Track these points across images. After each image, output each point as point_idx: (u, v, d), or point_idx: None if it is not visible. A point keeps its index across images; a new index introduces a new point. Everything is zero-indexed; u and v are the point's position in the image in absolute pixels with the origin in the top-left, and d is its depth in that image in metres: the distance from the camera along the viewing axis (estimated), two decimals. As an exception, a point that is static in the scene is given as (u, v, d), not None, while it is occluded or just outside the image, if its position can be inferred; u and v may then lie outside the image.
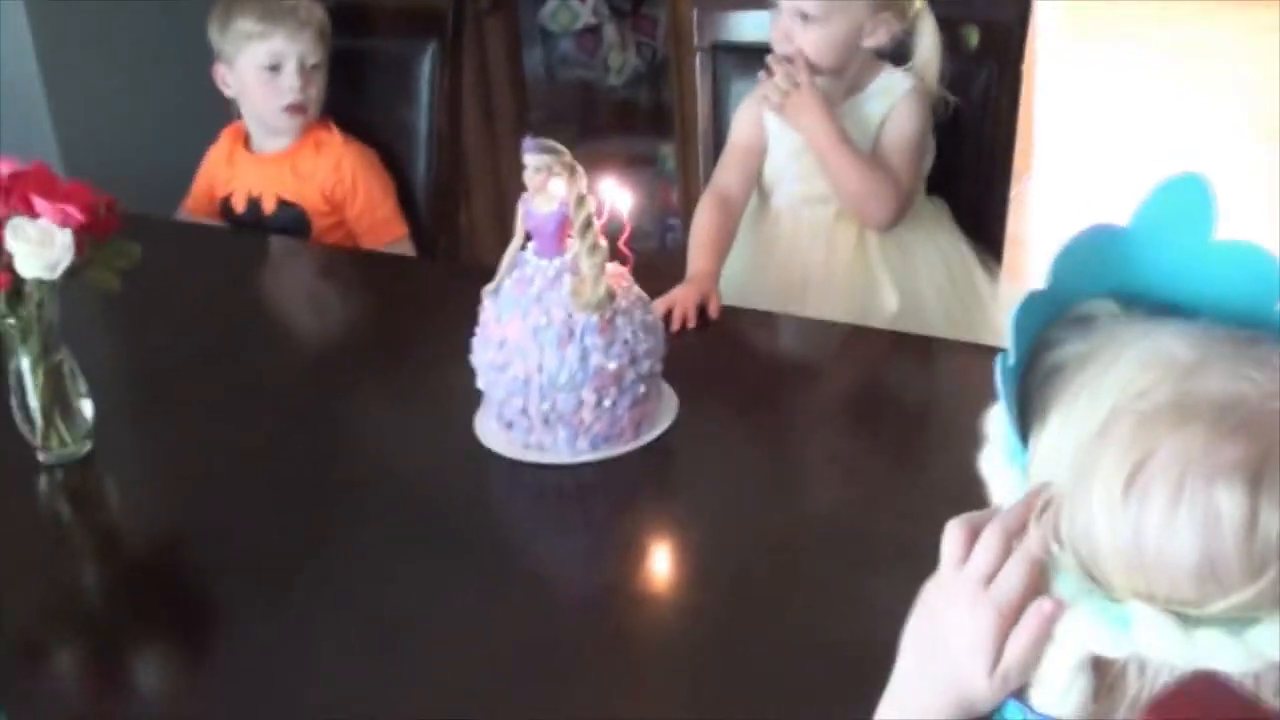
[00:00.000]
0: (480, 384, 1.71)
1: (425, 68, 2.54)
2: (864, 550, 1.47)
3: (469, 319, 1.71)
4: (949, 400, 1.82)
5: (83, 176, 1.72)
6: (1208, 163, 3.18)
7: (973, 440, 0.95)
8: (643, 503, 1.68)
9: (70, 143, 3.03)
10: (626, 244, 1.68)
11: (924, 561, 0.90)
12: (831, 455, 1.73)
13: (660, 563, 1.55)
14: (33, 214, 1.64)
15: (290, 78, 2.46)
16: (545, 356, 1.63)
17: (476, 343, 1.70)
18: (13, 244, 1.62)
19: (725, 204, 2.11)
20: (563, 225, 1.64)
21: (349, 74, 2.56)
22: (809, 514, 1.59)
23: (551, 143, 1.62)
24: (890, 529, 1.45)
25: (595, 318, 1.62)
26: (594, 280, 1.61)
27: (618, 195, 1.66)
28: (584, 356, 1.63)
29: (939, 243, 2.14)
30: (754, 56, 2.28)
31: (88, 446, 1.75)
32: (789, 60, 2.04)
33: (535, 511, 1.70)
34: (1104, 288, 0.91)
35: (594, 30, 3.45)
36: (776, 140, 2.14)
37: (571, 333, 1.62)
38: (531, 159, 1.62)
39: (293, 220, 2.49)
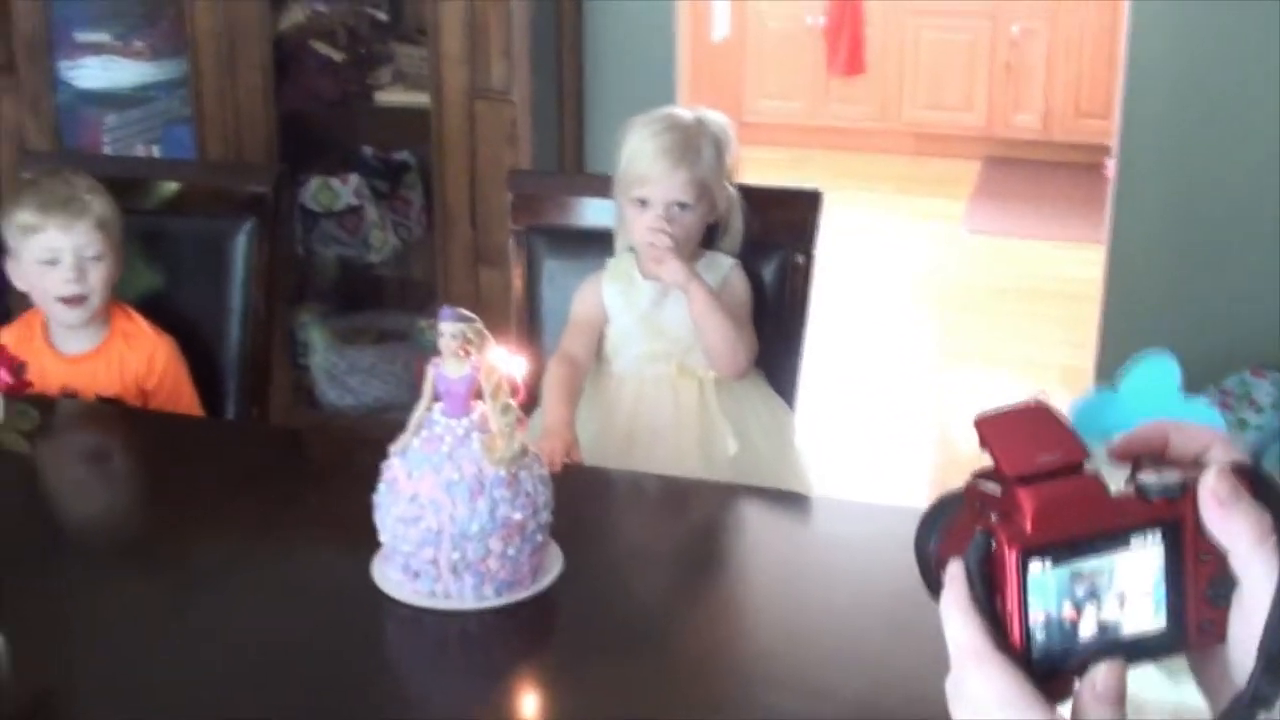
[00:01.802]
0: (384, 537, 1.81)
1: (241, 245, 2.63)
2: (735, 685, 1.64)
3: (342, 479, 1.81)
4: (786, 548, 2.03)
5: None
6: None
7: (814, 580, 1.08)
8: (543, 645, 1.81)
9: None
10: (521, 406, 1.83)
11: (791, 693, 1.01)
12: (694, 599, 1.90)
13: (565, 702, 1.69)
14: (-47, 378, 1.69)
15: (65, 270, 2.47)
16: (457, 509, 1.75)
17: (382, 499, 1.81)
18: (-61, 406, 1.66)
19: (573, 365, 2.34)
20: (471, 387, 1.78)
21: (159, 252, 2.62)
22: (685, 654, 1.75)
23: (465, 312, 1.77)
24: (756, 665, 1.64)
25: (503, 471, 1.76)
26: (507, 437, 1.75)
27: (511, 362, 1.82)
28: (493, 508, 1.76)
29: (762, 393, 2.44)
30: (563, 239, 2.49)
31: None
32: (653, 243, 2.30)
33: (439, 657, 1.81)
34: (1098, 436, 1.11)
35: (355, 210, 3.59)
36: (619, 311, 2.39)
37: (482, 486, 1.75)
38: (447, 326, 1.76)
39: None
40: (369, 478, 1.83)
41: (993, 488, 0.80)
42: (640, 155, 2.31)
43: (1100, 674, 0.80)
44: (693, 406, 2.36)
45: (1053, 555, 0.77)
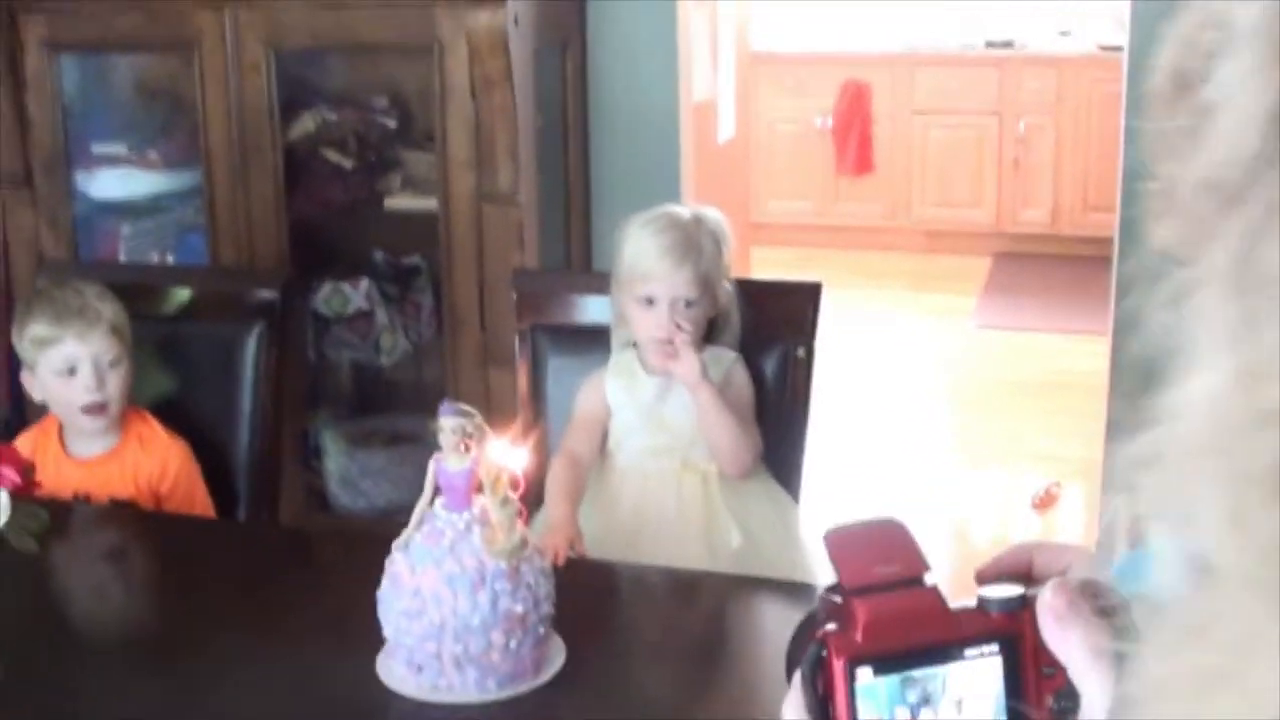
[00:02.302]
0: (387, 632, 1.83)
1: (251, 349, 2.68)
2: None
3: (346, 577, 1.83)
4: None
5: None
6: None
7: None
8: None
9: None
10: (522, 498, 1.86)
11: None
12: (697, 692, 1.92)
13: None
14: (-37, 478, 1.72)
15: (86, 379, 2.50)
16: (459, 602, 1.77)
17: (385, 594, 1.83)
18: (-52, 507, 1.69)
19: (576, 462, 2.37)
20: (471, 481, 1.80)
21: (172, 356, 2.67)
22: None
23: (466, 407, 1.80)
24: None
25: (504, 564, 1.78)
26: (507, 530, 1.78)
27: (511, 455, 1.84)
28: (494, 601, 1.78)
29: (765, 485, 2.46)
30: (566, 336, 2.53)
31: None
32: (669, 341, 2.35)
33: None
34: None
35: (366, 314, 3.64)
36: (622, 406, 2.43)
37: (483, 579, 1.78)
38: (448, 421, 1.79)
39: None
40: (374, 576, 1.86)
41: (837, 599, 0.83)
42: (644, 254, 2.36)
43: None
44: (696, 500, 2.39)
45: (881, 664, 0.80)
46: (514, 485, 1.82)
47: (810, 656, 0.81)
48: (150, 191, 3.70)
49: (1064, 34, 6.90)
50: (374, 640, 1.87)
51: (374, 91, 3.73)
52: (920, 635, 0.80)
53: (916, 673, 0.80)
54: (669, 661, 1.99)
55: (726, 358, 2.45)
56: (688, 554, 2.28)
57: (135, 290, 2.67)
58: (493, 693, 1.81)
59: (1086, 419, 4.96)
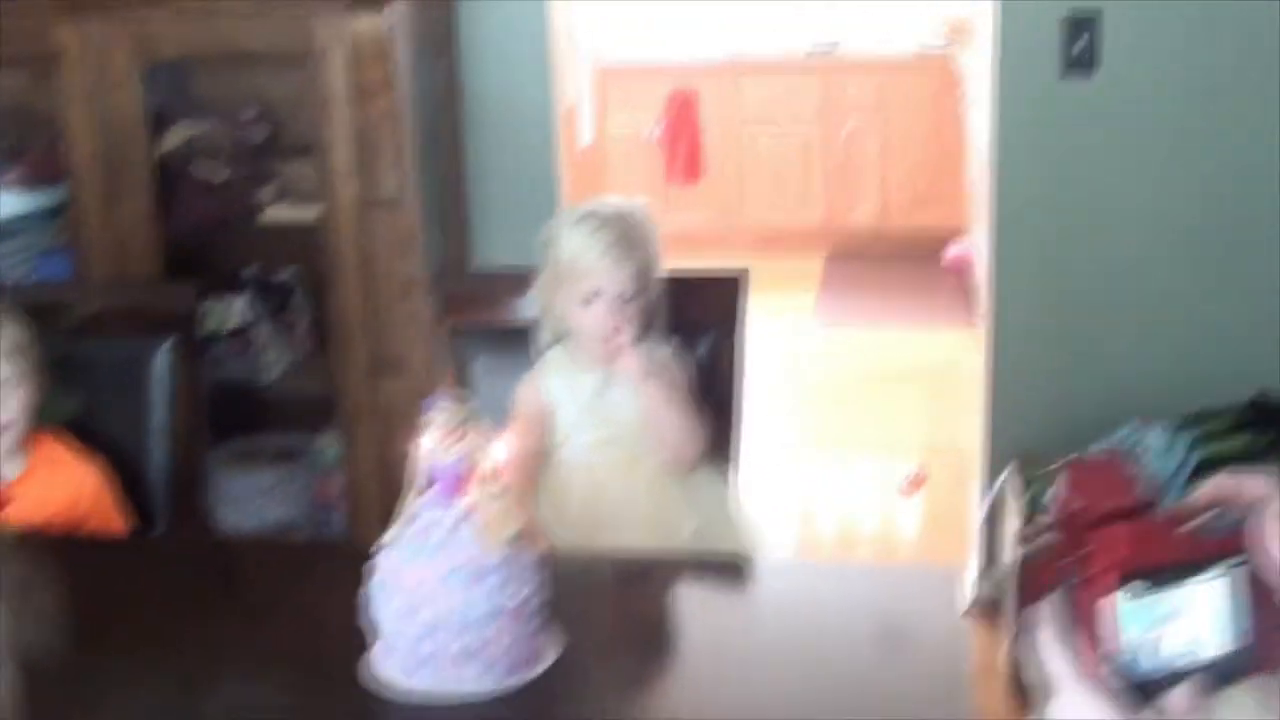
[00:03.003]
0: (381, 632, 1.79)
1: (162, 365, 2.59)
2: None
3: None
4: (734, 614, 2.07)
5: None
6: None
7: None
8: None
9: None
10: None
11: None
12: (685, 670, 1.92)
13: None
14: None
15: None
16: (456, 597, 1.74)
17: (377, 594, 1.79)
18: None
19: (524, 462, 2.33)
20: (465, 471, 1.78)
21: (77, 375, 2.57)
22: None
23: (457, 396, 1.77)
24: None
25: (498, 556, 1.75)
26: (502, 520, 1.75)
27: (497, 447, 1.82)
28: (492, 593, 1.75)
29: (708, 474, 2.49)
30: (491, 336, 2.52)
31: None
32: (612, 337, 2.36)
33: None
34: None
35: (244, 331, 3.55)
36: (563, 402, 2.42)
37: (480, 572, 1.75)
38: (439, 413, 1.76)
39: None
40: (328, 580, 1.82)
41: (1057, 537, 0.86)
42: (586, 251, 2.35)
43: (1182, 693, 0.87)
44: (645, 491, 2.39)
45: (1133, 588, 0.83)
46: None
47: (1063, 588, 0.83)
48: (9, 213, 3.56)
49: (883, 39, 7.05)
50: (354, 644, 1.83)
51: (244, 102, 3.65)
52: (1164, 557, 0.83)
53: (1164, 594, 0.83)
54: (658, 644, 1.99)
55: (662, 350, 2.45)
56: (643, 544, 2.28)
57: (35, 309, 2.56)
58: (494, 685, 1.78)
59: (941, 406, 5.10)
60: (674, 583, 2.16)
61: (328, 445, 3.55)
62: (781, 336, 5.99)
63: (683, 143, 7.01)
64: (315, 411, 3.61)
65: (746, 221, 7.13)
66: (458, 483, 1.78)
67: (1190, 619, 0.85)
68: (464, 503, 1.78)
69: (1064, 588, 0.85)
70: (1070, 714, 0.88)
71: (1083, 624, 0.85)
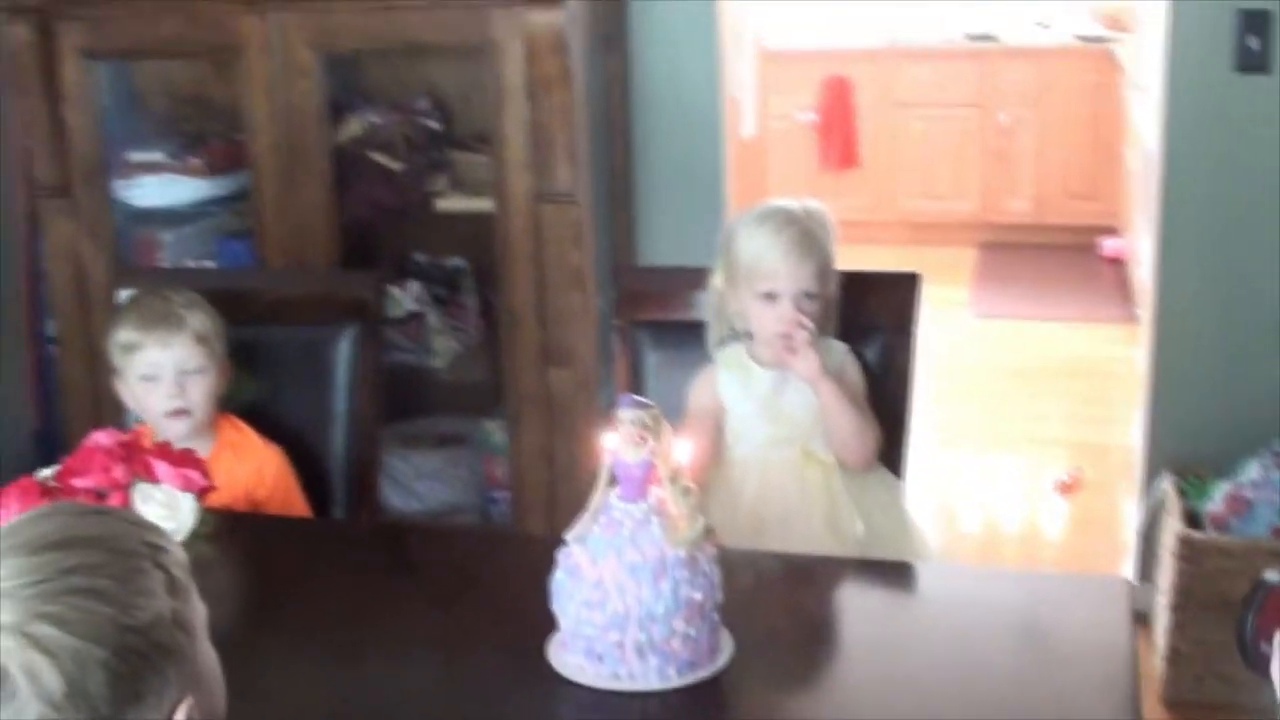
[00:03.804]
0: (564, 622, 1.85)
1: (344, 351, 2.68)
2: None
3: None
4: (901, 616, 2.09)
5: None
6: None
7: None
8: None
9: None
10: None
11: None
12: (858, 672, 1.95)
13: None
14: (153, 479, 1.71)
15: (167, 386, 2.50)
16: (642, 591, 1.79)
17: (561, 585, 1.85)
18: (142, 508, 1.69)
19: (695, 460, 2.36)
20: (649, 473, 1.82)
21: (263, 361, 2.66)
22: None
23: (644, 400, 1.82)
24: None
25: (683, 553, 1.80)
26: (689, 520, 1.80)
27: (679, 448, 1.87)
28: (676, 589, 1.80)
29: (881, 474, 2.52)
30: (665, 331, 2.56)
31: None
32: (789, 336, 2.38)
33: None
34: None
35: (416, 317, 3.64)
36: (737, 400, 2.46)
37: (664, 568, 1.80)
38: (626, 414, 1.81)
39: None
40: (513, 568, 1.88)
41: None
42: (769, 251, 2.39)
43: None
44: (818, 490, 2.43)
45: None
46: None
47: (1250, 604, 0.85)
48: (192, 198, 3.69)
49: (1042, 26, 6.99)
50: (538, 630, 1.89)
51: (415, 93, 3.73)
52: None
53: None
54: (829, 645, 2.02)
55: (838, 349, 2.48)
56: (813, 543, 2.31)
57: (223, 296, 2.65)
58: (673, 680, 1.83)
59: (1098, 404, 5.06)
60: (842, 583, 2.19)
61: (494, 431, 3.62)
62: (935, 327, 5.97)
63: (837, 129, 7.01)
64: (482, 397, 3.69)
65: (900, 210, 7.12)
66: (642, 482, 1.83)
67: None
68: (650, 501, 1.83)
69: (1250, 605, 0.87)
70: None
71: (1259, 640, 0.87)
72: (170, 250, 3.69)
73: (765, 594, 2.14)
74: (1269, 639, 0.90)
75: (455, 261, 3.81)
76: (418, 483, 3.65)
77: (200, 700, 1.14)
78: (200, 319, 2.56)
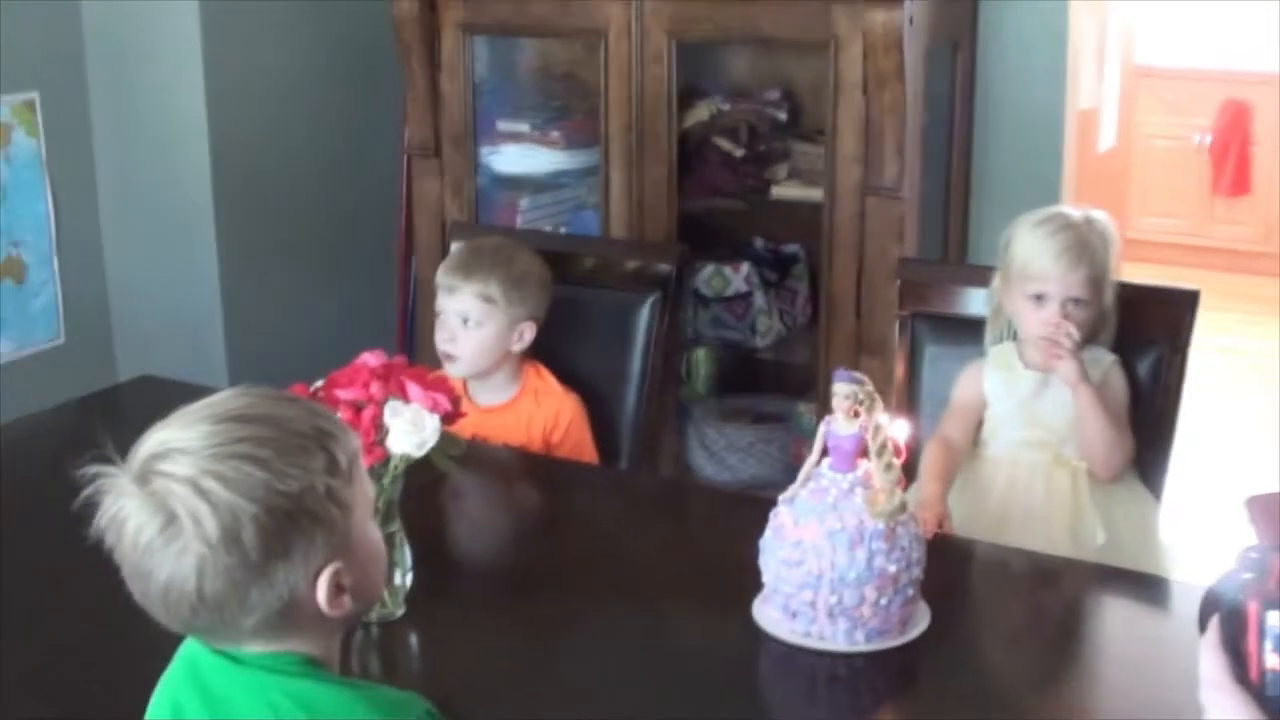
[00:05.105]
0: (766, 578, 1.97)
1: (644, 317, 2.86)
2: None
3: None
4: (1147, 631, 2.11)
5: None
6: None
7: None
8: (906, 694, 1.94)
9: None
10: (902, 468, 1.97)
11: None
12: (1054, 671, 2.00)
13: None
14: (405, 398, 1.92)
15: (445, 329, 2.74)
16: (837, 556, 1.90)
17: (768, 542, 1.98)
18: (390, 422, 1.89)
19: (949, 447, 2.49)
20: (859, 445, 1.93)
21: (578, 318, 2.87)
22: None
23: (859, 375, 1.93)
24: None
25: (883, 525, 1.90)
26: (889, 493, 1.90)
27: (897, 426, 1.96)
28: (870, 559, 1.90)
29: (1129, 484, 2.53)
30: (944, 326, 2.63)
31: (403, 610, 2.00)
32: (1055, 339, 2.42)
33: (809, 693, 1.95)
34: None
35: (744, 297, 3.80)
36: (999, 398, 2.54)
37: (862, 537, 1.90)
38: (841, 387, 1.92)
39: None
40: (749, 530, 2.01)
41: (1255, 555, 0.93)
42: (1040, 254, 2.43)
43: None
44: (1064, 495, 2.46)
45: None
46: (897, 453, 1.94)
47: (1231, 600, 0.91)
48: (550, 168, 3.94)
49: None
50: (747, 588, 2.01)
51: (766, 84, 3.88)
52: None
53: None
54: (1025, 639, 2.08)
55: (1106, 359, 2.51)
56: (1053, 547, 2.34)
57: (554, 256, 2.88)
58: (860, 644, 1.93)
59: None
60: (1068, 586, 2.22)
61: (805, 414, 3.75)
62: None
63: (1232, 153, 6.79)
64: (800, 379, 3.82)
65: (1292, 243, 6.83)
66: (852, 455, 1.93)
67: None
68: (858, 473, 1.93)
69: (1230, 601, 0.91)
70: (1210, 716, 0.93)
71: (1241, 636, 0.91)
72: (526, 214, 3.95)
73: (975, 581, 2.20)
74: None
75: (791, 248, 3.95)
76: (730, 454, 3.81)
77: (353, 570, 1.32)
78: (500, 279, 2.73)
